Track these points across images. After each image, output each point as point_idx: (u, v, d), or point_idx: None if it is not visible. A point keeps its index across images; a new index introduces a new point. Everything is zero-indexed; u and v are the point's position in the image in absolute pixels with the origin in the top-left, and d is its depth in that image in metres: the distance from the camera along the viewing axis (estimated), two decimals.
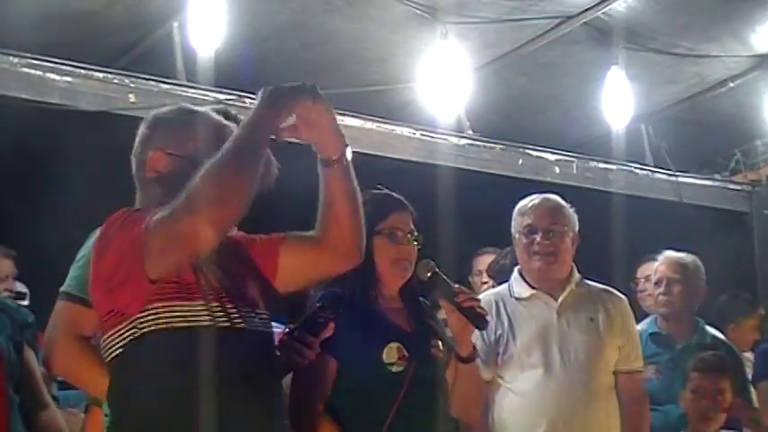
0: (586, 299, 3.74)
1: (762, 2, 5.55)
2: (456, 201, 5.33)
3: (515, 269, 3.82)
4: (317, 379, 2.77)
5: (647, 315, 4.82)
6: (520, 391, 3.59)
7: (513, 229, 3.80)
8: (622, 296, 3.90)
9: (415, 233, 3.01)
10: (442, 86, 5.77)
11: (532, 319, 3.67)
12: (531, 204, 3.77)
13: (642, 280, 5.25)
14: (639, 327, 4.27)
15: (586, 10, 5.52)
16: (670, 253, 4.61)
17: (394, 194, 3.04)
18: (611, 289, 3.88)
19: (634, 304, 4.11)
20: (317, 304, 2.75)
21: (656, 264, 4.62)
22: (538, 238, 3.70)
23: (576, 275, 3.76)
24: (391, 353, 2.86)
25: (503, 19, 5.54)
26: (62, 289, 2.77)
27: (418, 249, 3.02)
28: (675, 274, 4.50)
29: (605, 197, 6.10)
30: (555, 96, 6.42)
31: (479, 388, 3.13)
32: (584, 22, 5.65)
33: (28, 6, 4.89)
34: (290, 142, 2.38)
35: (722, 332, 4.70)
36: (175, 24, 5.27)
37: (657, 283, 4.54)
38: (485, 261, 5.15)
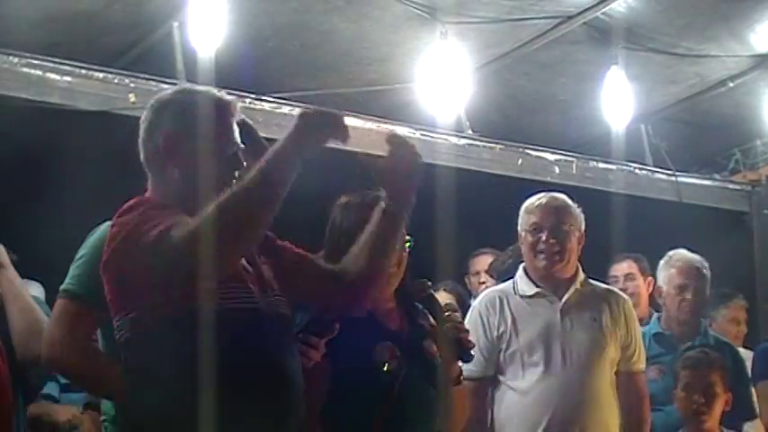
0: (590, 299, 3.74)
1: (761, 2, 5.53)
2: (455, 200, 5.32)
3: (520, 266, 3.82)
4: (315, 381, 2.77)
5: None
6: (521, 390, 3.59)
7: (519, 227, 3.80)
8: (626, 296, 3.90)
9: (404, 237, 3.01)
10: (441, 86, 5.76)
11: (536, 317, 3.67)
12: (537, 203, 3.77)
13: (621, 278, 5.23)
14: (642, 327, 4.26)
15: (586, 10, 5.51)
16: (685, 254, 4.56)
17: None
18: (614, 289, 3.89)
19: None
20: None
21: (670, 267, 4.55)
22: (544, 236, 3.70)
23: (581, 275, 3.77)
24: (382, 352, 2.86)
25: (503, 19, 5.53)
26: (62, 288, 2.77)
27: (410, 251, 3.01)
28: (691, 279, 4.47)
29: (605, 197, 6.09)
30: (555, 96, 6.40)
31: (464, 409, 3.14)
32: (584, 22, 5.64)
33: (28, 6, 4.88)
34: None
35: None
36: (175, 24, 5.25)
37: (679, 288, 4.48)
38: (481, 261, 5.15)
